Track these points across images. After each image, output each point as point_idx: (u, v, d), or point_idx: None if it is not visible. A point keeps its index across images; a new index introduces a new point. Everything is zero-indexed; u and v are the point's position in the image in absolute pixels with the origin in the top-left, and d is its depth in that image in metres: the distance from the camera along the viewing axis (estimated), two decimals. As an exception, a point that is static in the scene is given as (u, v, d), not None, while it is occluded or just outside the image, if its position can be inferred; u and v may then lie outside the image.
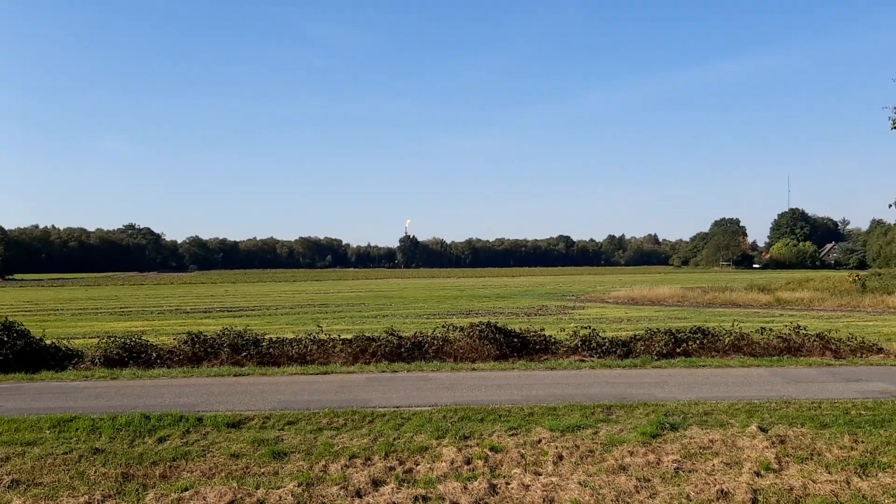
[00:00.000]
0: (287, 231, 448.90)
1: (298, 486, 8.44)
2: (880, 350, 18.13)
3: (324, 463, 9.27)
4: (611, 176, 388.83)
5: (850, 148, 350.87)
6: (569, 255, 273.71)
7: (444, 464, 9.20)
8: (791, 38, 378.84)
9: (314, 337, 18.33)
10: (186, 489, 8.39)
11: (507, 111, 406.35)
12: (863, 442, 9.78)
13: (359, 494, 8.29)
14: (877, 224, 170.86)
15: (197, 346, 17.84)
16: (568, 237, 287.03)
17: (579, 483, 8.59)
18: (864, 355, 17.56)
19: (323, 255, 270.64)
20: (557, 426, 10.49)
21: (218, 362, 17.23)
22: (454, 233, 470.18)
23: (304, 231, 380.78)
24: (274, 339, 18.45)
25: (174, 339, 18.73)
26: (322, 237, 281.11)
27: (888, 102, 51.21)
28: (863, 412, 11.18)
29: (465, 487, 8.41)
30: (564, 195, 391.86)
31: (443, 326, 19.12)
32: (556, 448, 9.67)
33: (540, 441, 9.99)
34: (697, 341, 17.92)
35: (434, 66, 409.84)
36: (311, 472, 8.96)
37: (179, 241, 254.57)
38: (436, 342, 17.94)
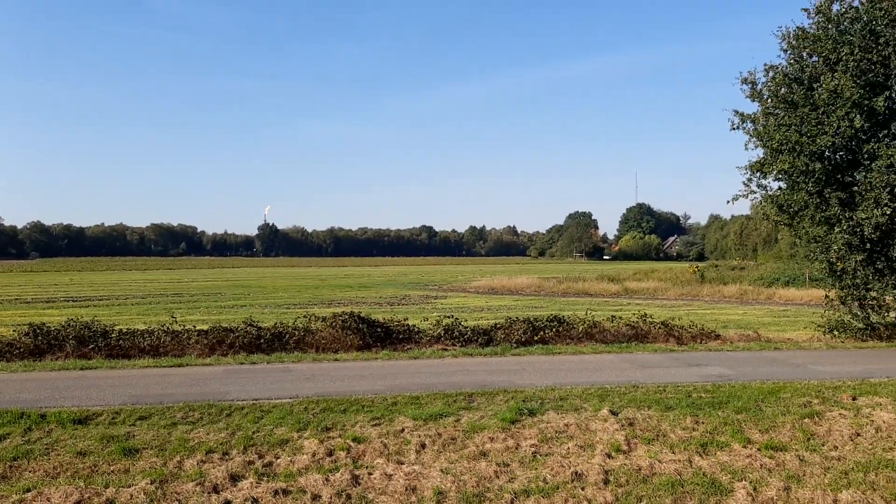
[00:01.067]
0: (138, 217, 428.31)
1: (151, 484, 8.05)
2: (718, 336, 19.48)
3: (179, 459, 8.89)
4: (472, 168, 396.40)
5: (693, 146, 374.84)
6: (431, 246, 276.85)
7: (305, 456, 9.05)
8: (642, 40, 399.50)
9: (168, 328, 17.55)
10: (28, 490, 7.81)
11: (371, 99, 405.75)
12: (703, 423, 10.46)
13: (216, 490, 8.02)
14: (714, 219, 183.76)
15: (39, 338, 16.63)
16: (431, 227, 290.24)
17: (441, 470, 8.69)
18: (703, 341, 18.80)
19: (176, 242, 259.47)
20: (421, 415, 10.57)
21: (63, 355, 16.15)
22: (316, 221, 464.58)
23: (157, 217, 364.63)
24: (124, 331, 17.51)
25: (14, 330, 17.39)
26: (175, 224, 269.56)
27: (729, 105, 54.63)
28: (703, 395, 11.95)
29: (327, 479, 8.31)
30: (427, 186, 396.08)
31: (304, 317, 18.81)
32: (419, 437, 9.74)
33: (403, 430, 10.03)
34: (554, 329, 18.58)
35: (297, 49, 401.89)
36: (165, 469, 8.57)
37: (19, 226, 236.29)
38: (297, 333, 17.63)
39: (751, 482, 8.80)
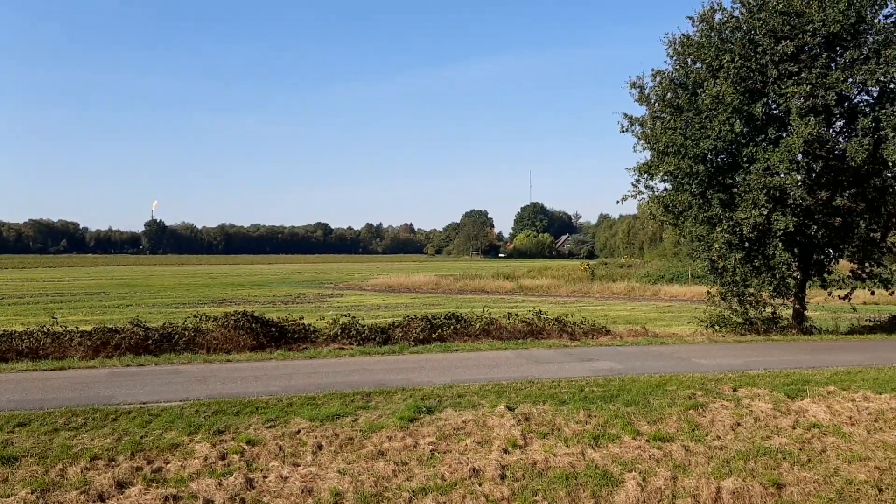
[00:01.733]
0: (14, 213, 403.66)
1: (32, 493, 7.60)
2: (608, 332, 20.10)
3: (61, 466, 8.41)
4: (369, 165, 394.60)
5: (585, 147, 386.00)
6: (327, 243, 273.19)
7: (196, 461, 8.74)
8: (538, 42, 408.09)
9: (48, 329, 16.59)
10: None
11: (265, 95, 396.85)
12: (595, 416, 10.75)
13: (101, 498, 7.64)
14: (604, 218, 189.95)
15: None
16: (326, 225, 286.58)
17: (338, 471, 8.59)
18: (595, 337, 19.35)
19: (57, 239, 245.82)
20: (317, 415, 10.40)
21: (-74, 360, 15.01)
22: (206, 218, 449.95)
23: (35, 213, 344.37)
24: (0, 333, 16.46)
25: None
26: (56, 220, 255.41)
27: (620, 108, 56.50)
28: (595, 389, 12.28)
29: (220, 484, 8.07)
30: (323, 183, 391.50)
31: (195, 316, 18.16)
32: (316, 438, 9.58)
33: (299, 432, 9.83)
34: (451, 327, 18.68)
35: (189, 43, 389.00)
36: (47, 477, 8.10)
37: None
38: (187, 333, 17.01)
39: (640, 473, 9.12)
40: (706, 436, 10.43)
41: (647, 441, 10.05)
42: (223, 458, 8.89)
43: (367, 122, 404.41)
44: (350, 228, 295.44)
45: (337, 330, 18.10)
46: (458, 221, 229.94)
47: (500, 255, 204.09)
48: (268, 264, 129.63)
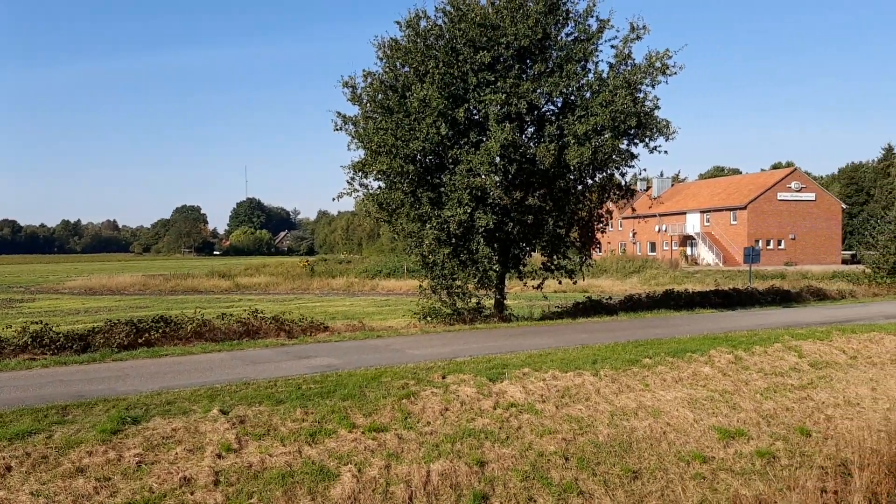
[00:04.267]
0: None
1: None
2: (326, 328, 20.29)
3: None
4: (65, 157, 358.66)
5: (303, 143, 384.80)
6: (16, 242, 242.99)
7: None
8: (250, 34, 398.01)
9: None
10: None
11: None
12: (312, 413, 10.82)
13: None
14: (323, 214, 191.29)
15: None
16: (14, 222, 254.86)
17: (32, 493, 7.77)
18: (313, 334, 19.42)
19: None
20: (5, 435, 9.27)
21: None
22: None
23: None
24: None
25: None
26: None
27: (336, 106, 56.95)
28: (312, 386, 12.35)
29: None
30: (10, 175, 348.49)
31: None
32: (4, 459, 8.55)
33: (-20, 456, 8.71)
34: (160, 330, 17.66)
35: None
36: None
37: None
38: None
39: (356, 465, 9.37)
40: (418, 423, 10.96)
41: (363, 433, 10.32)
42: None
43: (63, 110, 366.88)
44: (43, 226, 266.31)
45: (27, 339, 16.25)
46: (168, 217, 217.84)
47: (216, 252, 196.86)
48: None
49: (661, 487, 10.22)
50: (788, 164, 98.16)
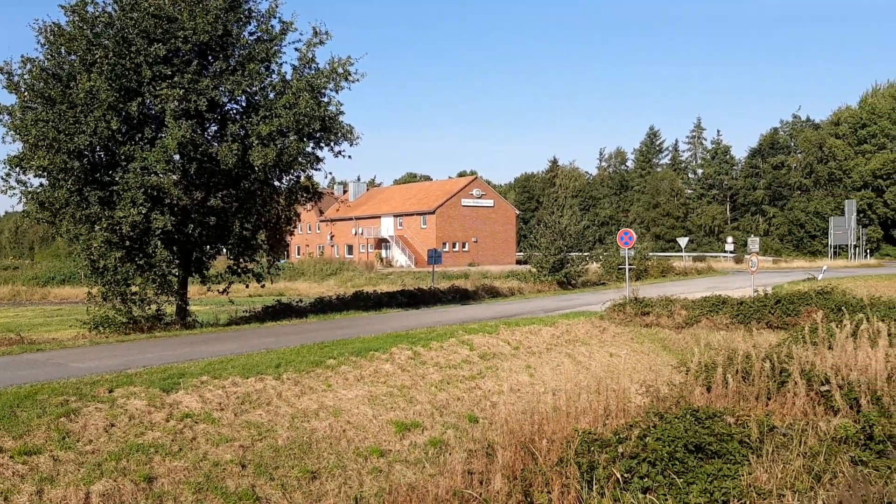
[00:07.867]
0: None
1: None
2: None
3: None
4: None
5: None
6: None
7: None
8: None
9: None
10: None
11: None
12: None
13: None
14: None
15: None
16: None
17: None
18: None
19: None
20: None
21: None
22: None
23: None
24: None
25: None
26: None
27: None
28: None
29: None
30: None
31: None
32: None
33: None
34: None
35: None
36: None
37: None
38: None
39: (1, 494, 8.37)
40: (77, 442, 10.08)
41: (11, 457, 9.27)
42: None
43: None
44: None
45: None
46: None
47: None
48: None
49: (339, 485, 10.44)
50: (472, 173, 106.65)
